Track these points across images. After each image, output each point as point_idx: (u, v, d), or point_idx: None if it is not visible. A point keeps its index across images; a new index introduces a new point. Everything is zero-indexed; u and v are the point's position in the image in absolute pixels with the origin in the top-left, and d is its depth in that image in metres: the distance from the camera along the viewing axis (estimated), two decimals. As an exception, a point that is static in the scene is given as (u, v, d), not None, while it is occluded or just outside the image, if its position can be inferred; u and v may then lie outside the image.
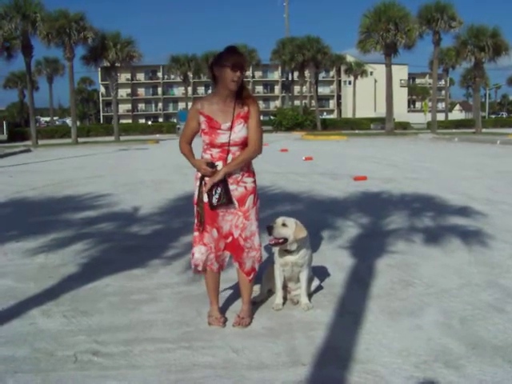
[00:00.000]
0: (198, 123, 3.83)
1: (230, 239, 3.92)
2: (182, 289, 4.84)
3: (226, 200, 3.77)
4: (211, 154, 3.82)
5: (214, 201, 3.76)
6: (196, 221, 3.92)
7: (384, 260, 5.64)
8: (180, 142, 3.97)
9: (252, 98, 3.88)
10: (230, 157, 3.79)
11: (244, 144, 3.82)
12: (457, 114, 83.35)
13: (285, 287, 4.39)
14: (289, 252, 4.21)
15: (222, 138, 3.76)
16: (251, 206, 3.91)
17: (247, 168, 3.90)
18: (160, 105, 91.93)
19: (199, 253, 3.91)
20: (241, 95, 3.80)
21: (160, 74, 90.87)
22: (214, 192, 3.74)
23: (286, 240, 4.13)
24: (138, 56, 41.84)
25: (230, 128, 3.76)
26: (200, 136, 3.89)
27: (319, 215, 8.15)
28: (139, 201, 10.00)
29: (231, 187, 3.80)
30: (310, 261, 4.40)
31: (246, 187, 3.89)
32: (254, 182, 3.96)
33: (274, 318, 4.13)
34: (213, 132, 3.76)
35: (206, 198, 3.81)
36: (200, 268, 3.95)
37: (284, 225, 4.15)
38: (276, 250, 4.29)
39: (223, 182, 3.75)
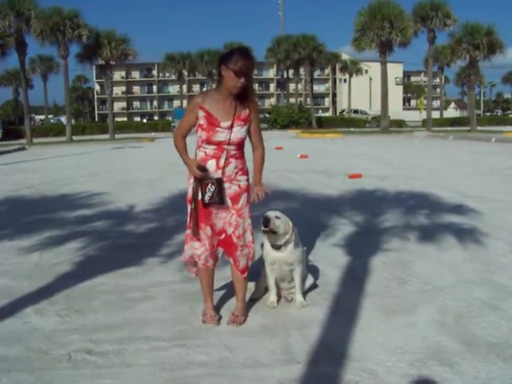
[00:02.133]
0: (196, 117, 3.79)
1: (223, 236, 3.92)
2: (176, 287, 4.83)
3: (218, 199, 3.76)
4: (205, 152, 3.80)
5: (206, 198, 3.75)
6: (189, 219, 3.91)
7: (379, 258, 5.64)
8: (175, 135, 3.92)
9: (254, 103, 3.91)
10: (224, 155, 3.77)
11: (240, 144, 3.83)
12: (452, 112, 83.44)
13: (278, 285, 4.39)
14: (277, 248, 4.18)
15: (220, 136, 3.75)
16: (245, 204, 3.91)
17: (241, 166, 3.89)
18: (155, 103, 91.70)
19: (192, 248, 3.92)
20: (243, 96, 3.78)
21: (155, 72, 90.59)
22: (207, 190, 3.74)
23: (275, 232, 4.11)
24: (132, 54, 41.73)
25: (230, 127, 3.75)
26: (195, 133, 3.87)
27: (314, 213, 8.15)
28: (134, 199, 9.98)
29: (225, 185, 3.80)
30: (303, 258, 4.39)
31: (239, 185, 3.88)
32: (248, 180, 3.96)
33: (268, 315, 4.13)
34: (211, 129, 3.74)
35: (199, 196, 3.80)
36: (195, 259, 3.94)
37: (277, 217, 4.13)
38: (265, 247, 4.25)
39: (218, 181, 3.75)
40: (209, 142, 3.77)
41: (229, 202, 3.86)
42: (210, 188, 3.74)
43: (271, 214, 4.13)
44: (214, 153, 3.78)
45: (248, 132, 3.89)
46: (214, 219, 3.87)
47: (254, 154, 4.07)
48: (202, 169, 3.74)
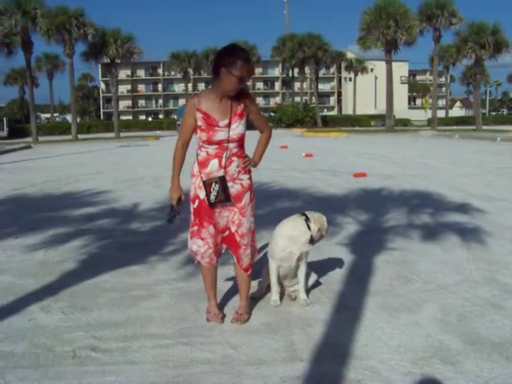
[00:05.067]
0: (194, 119, 3.79)
1: (226, 233, 3.94)
2: (180, 285, 4.85)
3: (224, 197, 3.77)
4: (207, 152, 3.80)
5: (212, 198, 3.76)
6: (192, 217, 3.92)
7: (383, 256, 5.65)
8: (177, 146, 3.88)
9: (249, 95, 3.89)
10: (226, 153, 3.78)
11: (240, 140, 3.83)
12: (457, 111, 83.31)
13: (281, 283, 4.40)
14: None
15: (220, 135, 3.75)
16: (247, 203, 3.92)
17: (243, 164, 3.90)
18: (160, 101, 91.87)
19: (196, 245, 3.93)
20: (238, 93, 3.79)
21: (160, 71, 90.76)
22: (211, 189, 3.75)
23: None
24: (138, 52, 41.78)
25: (228, 125, 3.76)
26: (195, 133, 3.87)
27: (318, 212, 8.13)
28: (139, 197, 10.01)
29: (228, 184, 3.80)
30: (307, 256, 4.40)
31: (242, 184, 3.89)
32: (250, 178, 3.97)
33: (272, 313, 4.14)
34: (210, 129, 3.74)
35: (202, 195, 3.81)
36: (199, 257, 3.96)
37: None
38: (277, 245, 4.24)
39: (222, 180, 3.76)
40: (209, 142, 3.76)
41: (233, 201, 3.87)
42: (215, 187, 3.74)
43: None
44: (216, 152, 3.78)
45: (251, 123, 3.92)
46: (217, 218, 3.88)
47: (260, 137, 4.10)
48: (178, 202, 3.92)
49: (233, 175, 3.83)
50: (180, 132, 3.92)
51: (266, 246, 5.20)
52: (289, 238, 4.21)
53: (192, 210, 3.93)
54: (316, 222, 4.26)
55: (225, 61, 3.63)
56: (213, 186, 3.74)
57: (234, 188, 3.85)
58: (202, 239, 3.90)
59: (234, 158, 3.83)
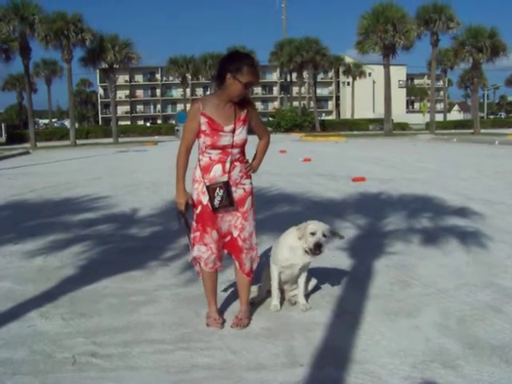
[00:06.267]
0: (198, 124, 3.77)
1: (228, 238, 3.93)
2: (180, 290, 4.85)
3: (228, 203, 3.78)
4: (210, 157, 3.79)
5: (216, 203, 3.76)
6: (194, 223, 3.92)
7: (382, 261, 5.65)
8: (180, 151, 3.85)
9: (250, 102, 3.92)
10: (229, 158, 3.79)
11: (243, 146, 3.85)
12: (455, 115, 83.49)
13: (281, 288, 4.40)
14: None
15: (225, 140, 3.75)
16: (249, 207, 3.93)
17: (245, 170, 3.91)
18: (158, 106, 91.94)
19: (198, 251, 3.91)
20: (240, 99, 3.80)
21: (158, 76, 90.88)
22: (215, 194, 3.75)
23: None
24: (136, 58, 41.87)
25: (233, 131, 3.76)
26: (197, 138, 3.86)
27: (317, 216, 8.09)
28: (138, 203, 10.01)
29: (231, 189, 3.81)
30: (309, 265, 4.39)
31: (244, 189, 3.90)
32: (251, 183, 3.98)
33: (272, 318, 4.14)
34: (215, 134, 3.74)
35: (205, 201, 3.81)
36: (202, 263, 3.94)
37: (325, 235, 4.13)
38: (283, 252, 4.23)
39: (226, 185, 3.76)
40: (214, 147, 3.76)
41: (236, 206, 3.87)
42: (219, 192, 3.75)
43: (322, 238, 4.07)
44: (219, 157, 3.79)
45: (251, 128, 3.93)
46: (219, 222, 3.87)
47: (259, 143, 4.12)
48: (186, 208, 3.86)
49: (236, 180, 3.84)
50: (183, 136, 3.89)
51: (265, 251, 5.20)
52: (291, 249, 4.21)
53: (195, 215, 3.92)
54: (300, 231, 4.15)
55: (231, 67, 3.65)
56: (217, 191, 3.74)
57: (237, 193, 3.85)
58: (205, 245, 3.89)
59: (237, 163, 3.84)
